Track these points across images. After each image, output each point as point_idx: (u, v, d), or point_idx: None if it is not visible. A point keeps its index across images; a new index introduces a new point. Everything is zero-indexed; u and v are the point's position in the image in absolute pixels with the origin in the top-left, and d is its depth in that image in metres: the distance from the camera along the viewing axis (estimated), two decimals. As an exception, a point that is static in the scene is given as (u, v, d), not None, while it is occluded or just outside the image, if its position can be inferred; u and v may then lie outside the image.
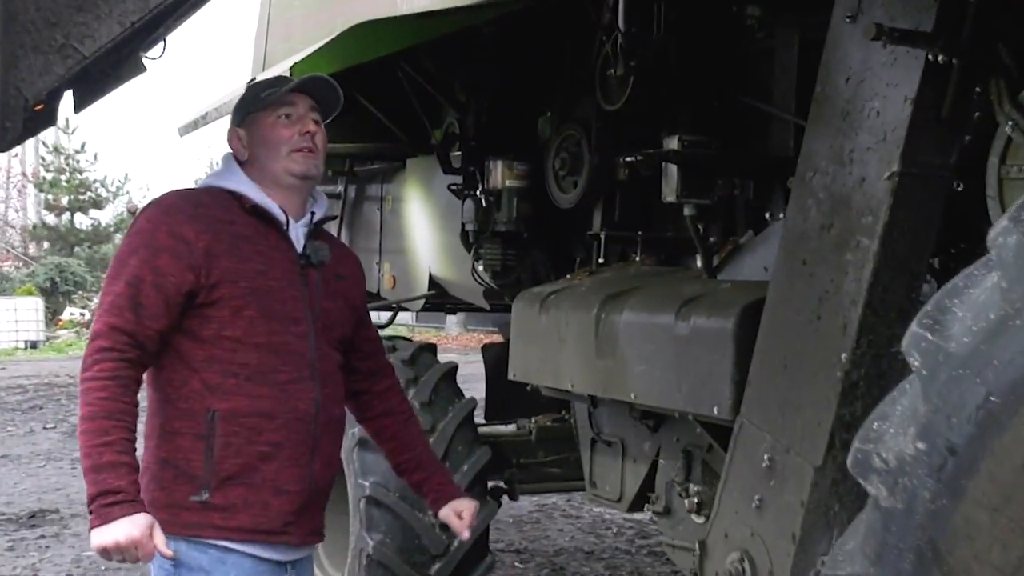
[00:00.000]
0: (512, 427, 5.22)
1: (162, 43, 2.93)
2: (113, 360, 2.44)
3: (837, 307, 2.81)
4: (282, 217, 2.67)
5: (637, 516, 7.47)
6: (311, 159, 2.71)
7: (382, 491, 4.22)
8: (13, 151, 38.18)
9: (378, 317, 6.74)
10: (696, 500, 3.68)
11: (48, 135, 34.34)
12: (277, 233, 2.67)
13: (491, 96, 4.43)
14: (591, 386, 3.75)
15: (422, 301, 5.37)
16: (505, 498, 4.92)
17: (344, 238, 5.98)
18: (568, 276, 4.24)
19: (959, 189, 2.83)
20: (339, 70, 3.78)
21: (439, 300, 5.43)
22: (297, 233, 2.71)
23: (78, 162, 32.45)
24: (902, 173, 2.66)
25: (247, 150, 2.72)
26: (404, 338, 5.01)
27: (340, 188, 6.01)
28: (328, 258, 2.75)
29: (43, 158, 33.61)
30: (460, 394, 4.60)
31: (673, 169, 3.51)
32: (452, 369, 4.65)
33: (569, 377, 3.84)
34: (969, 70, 2.58)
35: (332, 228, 5.94)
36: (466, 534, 3.02)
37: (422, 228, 5.28)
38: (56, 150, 32.85)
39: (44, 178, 33.02)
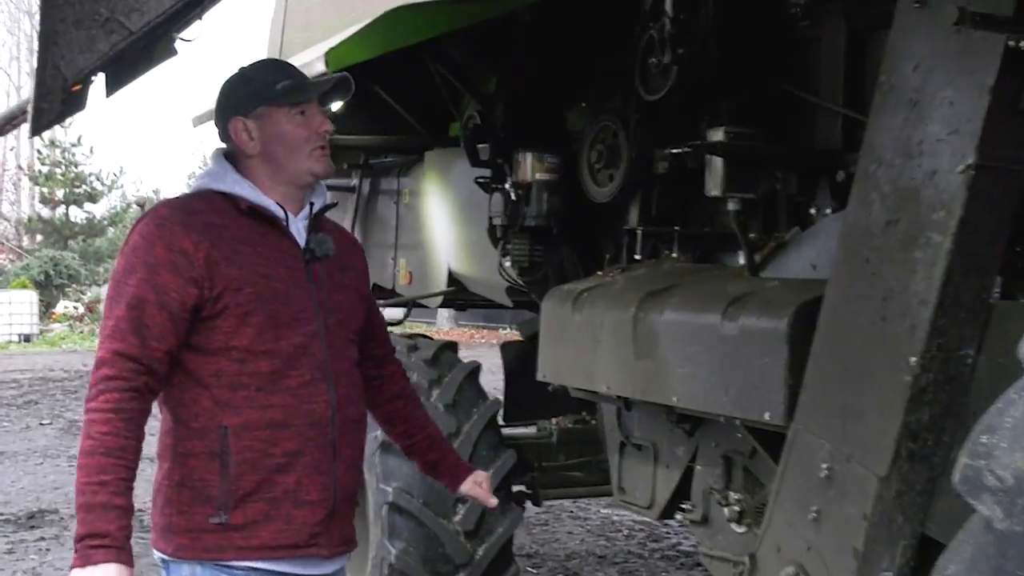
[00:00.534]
0: (532, 429, 5.05)
1: (198, 22, 2.75)
2: (118, 391, 2.31)
3: (904, 308, 2.65)
4: (281, 214, 2.54)
5: (646, 518, 7.33)
6: (328, 157, 2.61)
7: (405, 497, 4.05)
8: (9, 144, 37.97)
9: (391, 313, 6.59)
10: (737, 509, 3.53)
11: (43, 128, 34.05)
12: (278, 231, 2.54)
13: (521, 87, 4.25)
14: (628, 388, 3.59)
15: (440, 298, 5.20)
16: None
17: (358, 233, 5.82)
18: (599, 273, 4.08)
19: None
20: (374, 55, 3.61)
21: (457, 297, 5.26)
22: (298, 228, 2.58)
23: (73, 155, 32.20)
24: (978, 166, 2.50)
25: (257, 144, 2.55)
26: (425, 336, 4.83)
27: (355, 181, 5.84)
28: (332, 250, 2.61)
29: (39, 151, 33.38)
30: (484, 395, 4.44)
31: (718, 162, 3.35)
32: (475, 369, 4.49)
33: (604, 379, 3.68)
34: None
35: (347, 223, 5.79)
36: (493, 500, 3.00)
37: (441, 222, 5.12)
38: (52, 143, 32.61)
39: (39, 171, 32.78)
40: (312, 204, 2.61)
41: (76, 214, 32.54)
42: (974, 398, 2.55)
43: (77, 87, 2.15)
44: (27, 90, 34.99)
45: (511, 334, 24.39)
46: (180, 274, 2.38)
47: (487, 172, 4.43)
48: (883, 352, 2.68)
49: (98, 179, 32.82)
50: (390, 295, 5.65)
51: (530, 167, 4.12)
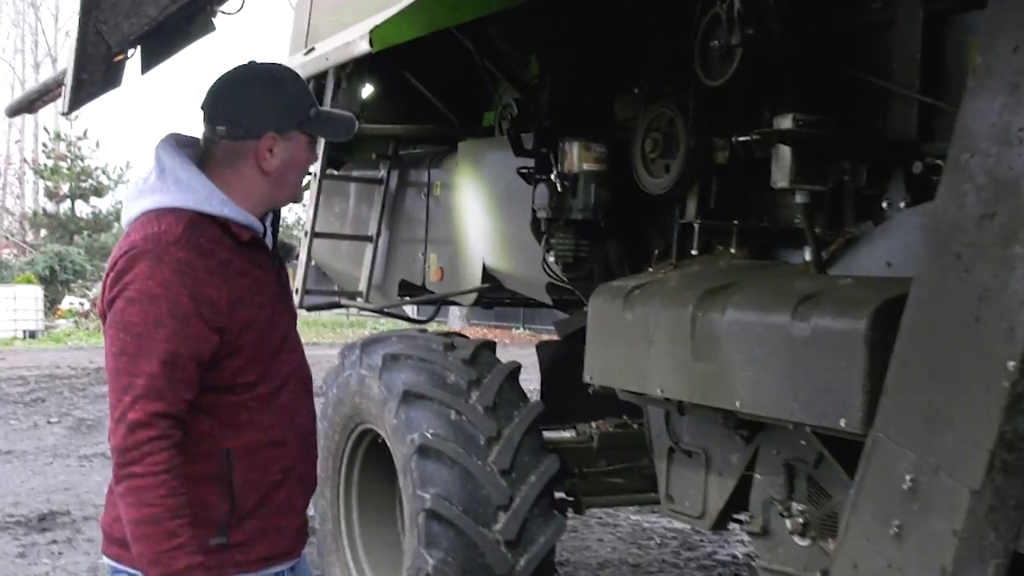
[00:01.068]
0: (571, 432, 4.84)
1: None
2: (164, 450, 2.26)
3: (1002, 308, 2.45)
4: (260, 227, 2.47)
5: (678, 525, 7.13)
6: None
7: (444, 504, 3.86)
8: (14, 137, 37.78)
9: (414, 311, 6.39)
10: (801, 521, 3.35)
11: (49, 121, 34.02)
12: (262, 251, 2.49)
13: (568, 73, 4.05)
14: (685, 392, 3.39)
15: (473, 295, 5.00)
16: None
17: (385, 227, 5.62)
18: (650, 269, 3.88)
19: None
20: (420, 35, 3.42)
21: (493, 294, 5.06)
22: (268, 237, 2.54)
23: (79, 149, 32.01)
24: (1086, 154, 2.30)
25: (273, 163, 2.43)
26: (460, 334, 4.64)
27: (382, 173, 5.63)
28: (292, 251, 2.59)
29: (44, 144, 33.20)
30: (525, 397, 4.25)
31: (786, 151, 3.15)
32: (516, 369, 4.30)
33: (658, 381, 3.48)
34: None
35: (373, 216, 5.60)
36: None
37: (476, 216, 4.92)
38: (57, 136, 32.43)
39: (44, 165, 32.60)
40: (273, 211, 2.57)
41: (82, 208, 32.42)
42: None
43: (120, 57, 1.95)
44: (32, 82, 34.80)
45: (523, 333, 24.22)
46: (206, 323, 2.31)
47: (529, 162, 4.22)
48: (977, 355, 2.47)
49: (104, 173, 32.64)
50: (420, 292, 5.45)
51: (577, 157, 3.92)
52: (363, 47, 3.22)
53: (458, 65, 5.20)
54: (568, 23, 3.99)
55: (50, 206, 32.93)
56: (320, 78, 4.75)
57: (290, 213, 33.02)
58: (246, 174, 2.42)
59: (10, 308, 23.26)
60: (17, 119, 34.86)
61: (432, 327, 5.34)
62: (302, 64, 4.11)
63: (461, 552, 3.88)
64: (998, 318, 2.44)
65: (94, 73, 1.85)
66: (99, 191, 32.23)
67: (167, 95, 71.07)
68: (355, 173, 5.91)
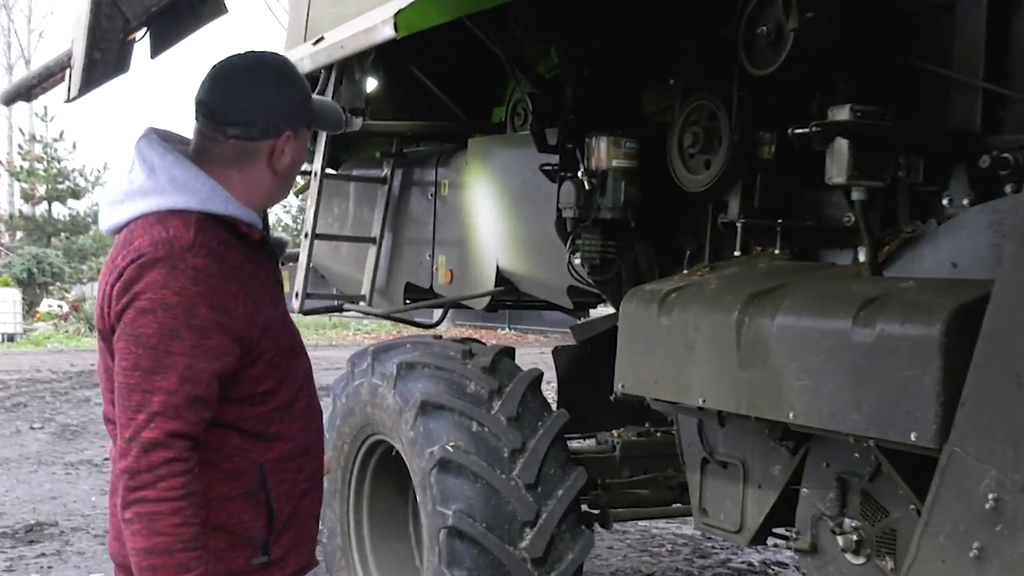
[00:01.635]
0: (591, 442, 4.63)
1: None
2: (181, 474, 2.11)
3: (1099, 312, 2.25)
4: (259, 223, 2.36)
5: (687, 531, 6.93)
6: None
7: (467, 521, 3.63)
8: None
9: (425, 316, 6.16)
10: (854, 538, 3.15)
11: (24, 122, 33.56)
12: (266, 252, 2.39)
13: (594, 63, 3.83)
14: (730, 402, 3.17)
15: (486, 299, 4.77)
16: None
17: (388, 228, 5.39)
18: (685, 272, 3.66)
19: None
20: (447, 20, 3.19)
21: (505, 297, 4.84)
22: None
23: (55, 151, 31.64)
24: None
25: (283, 163, 2.32)
26: (477, 340, 4.42)
27: (385, 171, 5.40)
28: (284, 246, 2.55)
29: (19, 147, 32.79)
30: (548, 406, 4.03)
31: (843, 145, 2.94)
32: (538, 377, 4.08)
33: (700, 391, 3.27)
34: None
35: (376, 216, 5.38)
36: None
37: (488, 216, 4.69)
38: (32, 138, 32.04)
39: (20, 167, 32.18)
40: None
41: (59, 211, 32.01)
42: None
43: (133, 35, 1.74)
44: (5, 84, 34.35)
45: (509, 334, 23.97)
46: (227, 334, 2.18)
47: (552, 159, 4.00)
48: (1071, 364, 2.28)
49: (81, 175, 32.28)
50: (427, 295, 5.23)
51: (606, 153, 3.70)
52: (386, 33, 2.99)
53: (465, 59, 4.98)
54: (595, 10, 3.77)
55: (26, 208, 32.52)
56: (329, 70, 4.51)
57: (286, 213, 32.86)
58: (253, 174, 2.29)
59: (-12, 311, 22.91)
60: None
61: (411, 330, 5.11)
62: (312, 54, 3.88)
63: (486, 571, 3.66)
64: (1094, 323, 2.25)
65: (108, 51, 1.64)
66: (76, 193, 31.88)
67: (143, 96, 70.57)
68: (355, 172, 5.67)
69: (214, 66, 2.31)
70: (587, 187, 3.73)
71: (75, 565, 6.36)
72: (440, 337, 4.46)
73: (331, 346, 21.17)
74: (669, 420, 4.64)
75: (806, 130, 2.91)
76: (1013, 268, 2.43)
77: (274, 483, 2.31)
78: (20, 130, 33.37)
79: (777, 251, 3.42)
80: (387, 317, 5.66)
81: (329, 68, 4.45)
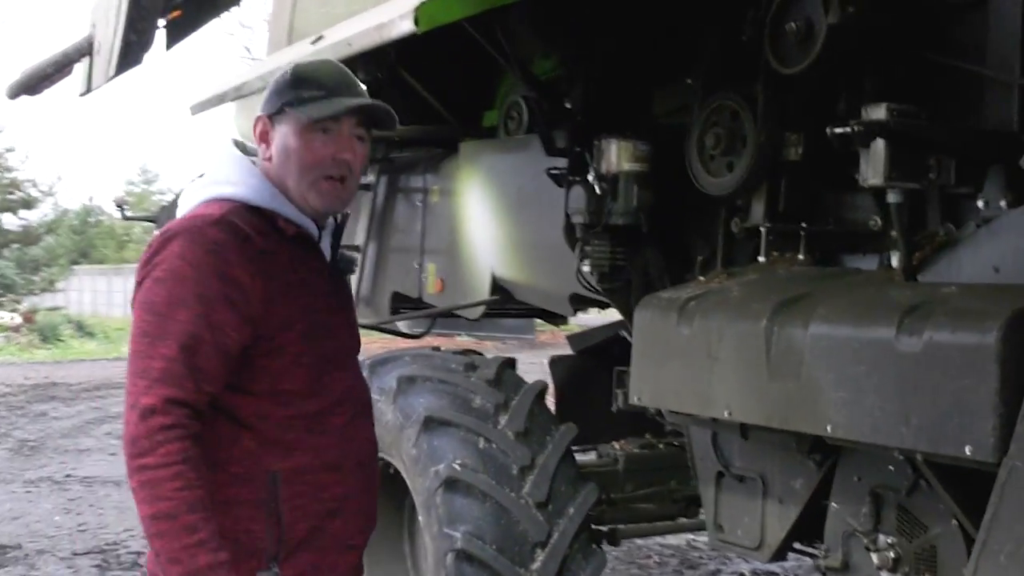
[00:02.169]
0: (592, 455, 4.47)
1: None
2: (180, 439, 2.08)
3: None
4: (315, 231, 2.32)
5: (672, 541, 6.80)
6: (340, 193, 2.30)
7: (476, 544, 3.47)
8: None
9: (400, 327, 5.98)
10: (891, 555, 3.03)
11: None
12: (315, 254, 2.34)
13: (603, 63, 3.68)
14: (761, 415, 3.04)
15: (481, 308, 4.60)
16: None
17: (375, 236, 5.21)
18: (700, 278, 3.52)
19: None
20: (473, 13, 3.03)
21: (502, 306, 4.68)
22: (325, 243, 2.38)
23: (7, 161, 31.24)
24: None
25: (271, 151, 2.30)
26: (476, 352, 4.25)
27: (371, 178, 5.21)
28: (354, 266, 2.49)
29: (-30, 158, 32.32)
30: (555, 419, 3.87)
31: (879, 145, 2.81)
32: (543, 390, 3.92)
33: (725, 403, 3.13)
34: None
35: (361, 225, 5.20)
36: None
37: (482, 223, 4.53)
38: (-17, 150, 31.64)
39: (-31, 178, 31.72)
40: (336, 217, 2.40)
41: (11, 221, 31.85)
42: None
43: (176, 14, 1.59)
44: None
45: (466, 341, 23.74)
46: (237, 311, 2.15)
47: (557, 162, 3.85)
48: None
49: (34, 186, 31.90)
50: (415, 304, 5.05)
51: (617, 156, 3.56)
52: (404, 28, 2.82)
53: (453, 61, 4.82)
54: (607, 6, 3.62)
55: (-23, 220, 32.06)
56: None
57: None
58: (264, 166, 2.31)
59: (-63, 324, 22.44)
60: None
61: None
62: (314, 53, 3.70)
63: (497, 597, 3.49)
64: None
65: (144, 32, 1.51)
66: (28, 204, 31.50)
67: (96, 107, 69.95)
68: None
69: None
70: (598, 192, 3.58)
71: (44, 590, 6.11)
72: (439, 349, 4.29)
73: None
74: (669, 431, 4.52)
75: (846, 129, 2.77)
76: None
77: (288, 495, 2.23)
78: (-30, 142, 32.91)
79: (801, 256, 3.28)
80: (375, 328, 5.48)
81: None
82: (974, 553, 2.51)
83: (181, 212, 2.31)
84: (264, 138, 2.30)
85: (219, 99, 4.67)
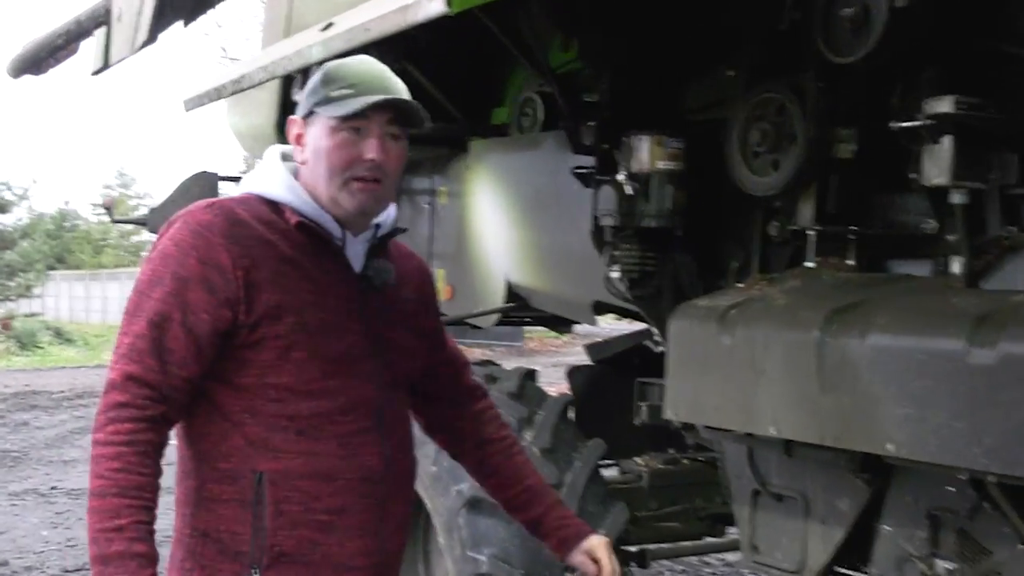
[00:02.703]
0: (614, 470, 4.27)
1: None
2: (131, 420, 2.03)
3: None
4: (338, 232, 2.23)
5: (688, 559, 6.58)
6: (373, 192, 2.20)
7: (504, 568, 3.27)
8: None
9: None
10: (952, 582, 2.80)
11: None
12: (331, 253, 2.23)
13: (633, 55, 3.48)
14: (813, 432, 2.84)
15: (495, 316, 4.39)
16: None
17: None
18: (740, 285, 3.32)
19: None
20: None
21: (517, 314, 4.47)
22: (356, 251, 2.27)
23: (-20, 164, 30.85)
24: None
25: (305, 153, 2.23)
26: (493, 363, 4.04)
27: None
28: (392, 278, 2.31)
29: (-56, 161, 31.94)
30: (581, 435, 3.66)
31: (947, 142, 2.61)
32: (568, 403, 3.71)
33: (771, 419, 2.93)
34: None
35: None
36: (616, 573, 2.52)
37: (495, 226, 4.32)
38: (-43, 154, 31.25)
39: (-55, 181, 31.27)
40: (378, 226, 2.28)
41: (-16, 225, 31.11)
42: None
43: None
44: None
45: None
46: (214, 292, 2.10)
47: (583, 160, 3.64)
48: None
49: (8, 189, 31.47)
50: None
51: (648, 154, 3.35)
52: (434, 9, 2.59)
53: (459, 56, 4.61)
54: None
55: (-50, 223, 31.62)
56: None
57: None
58: (301, 172, 2.24)
59: (-87, 330, 22.09)
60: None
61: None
62: (324, 41, 3.48)
63: (523, 623, 3.28)
64: None
65: None
66: (2, 207, 31.10)
67: (69, 109, 69.53)
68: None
69: None
70: (628, 192, 3.37)
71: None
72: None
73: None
74: (691, 444, 4.33)
75: (913, 123, 2.57)
76: None
77: (273, 499, 2.13)
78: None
79: (851, 262, 3.08)
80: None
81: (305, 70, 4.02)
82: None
83: None
84: (299, 141, 2.24)
85: (216, 93, 4.43)
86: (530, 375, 3.83)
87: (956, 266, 2.83)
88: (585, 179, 3.57)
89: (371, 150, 2.15)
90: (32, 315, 28.68)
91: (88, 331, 29.14)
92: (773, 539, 3.42)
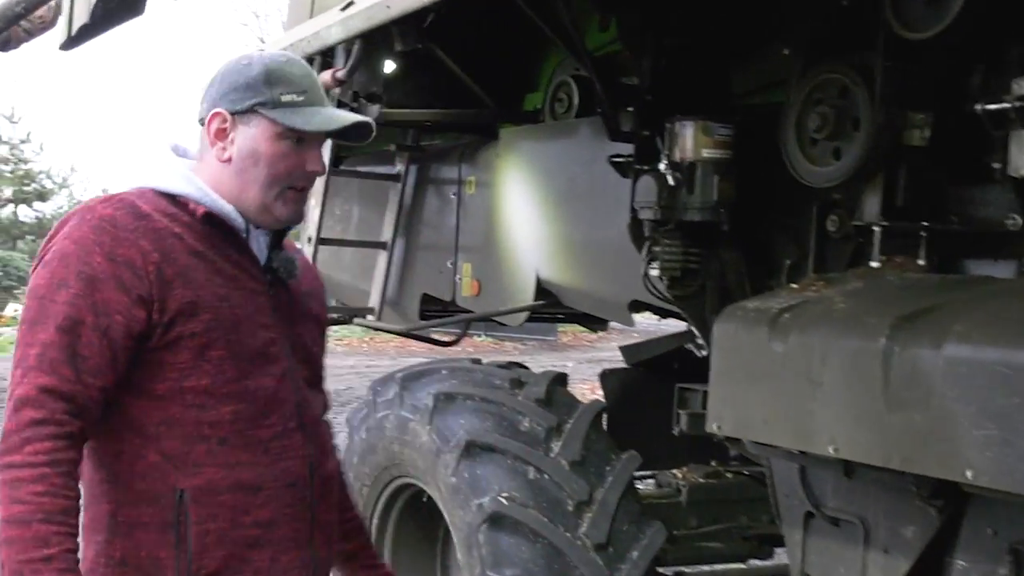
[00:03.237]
0: (649, 482, 3.97)
1: None
2: (51, 438, 1.90)
3: None
4: (241, 223, 2.15)
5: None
6: (303, 201, 2.21)
7: (530, 594, 2.96)
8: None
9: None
10: (1038, 624, 2.49)
11: (-10, 123, 32.99)
12: (236, 246, 2.15)
13: (677, 34, 3.19)
14: (877, 453, 2.54)
15: (524, 314, 4.11)
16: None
17: (402, 233, 4.71)
18: (793, 285, 3.01)
19: None
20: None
21: (549, 310, 4.19)
22: (259, 243, 2.19)
23: (22, 152, 31.12)
24: None
25: (231, 151, 2.12)
26: (520, 365, 3.75)
27: (399, 168, 4.72)
28: (297, 271, 2.25)
29: (-14, 147, 32.25)
30: (614, 447, 3.37)
31: (1034, 130, 2.30)
32: (601, 411, 3.42)
33: (829, 437, 2.63)
34: None
35: (388, 219, 4.72)
36: None
37: (526, 218, 4.05)
38: (-1, 139, 31.53)
39: (-13, 168, 31.63)
40: None
41: (26, 213, 31.58)
42: None
43: None
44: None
45: (486, 342, 23.32)
46: (126, 291, 1.99)
47: (620, 148, 3.35)
48: None
49: (48, 177, 31.76)
50: (448, 308, 4.55)
51: (693, 141, 3.06)
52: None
53: (489, 40, 4.33)
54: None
55: (-8, 210, 31.97)
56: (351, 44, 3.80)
57: None
58: (210, 164, 2.14)
59: (-47, 315, 22.27)
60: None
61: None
62: (343, 20, 3.22)
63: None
64: None
65: None
66: (43, 195, 31.55)
67: (113, 98, 70.00)
68: (369, 169, 4.98)
69: None
70: (671, 182, 3.07)
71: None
72: (479, 361, 3.79)
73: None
74: (733, 456, 4.03)
75: (1003, 106, 2.26)
76: None
77: (198, 517, 2.04)
78: (-15, 131, 32.83)
79: (922, 261, 2.77)
80: (403, 334, 4.99)
81: (352, 41, 3.75)
82: None
83: None
84: (221, 137, 2.12)
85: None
86: (560, 379, 3.55)
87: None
88: (623, 168, 3.28)
89: (315, 162, 2.13)
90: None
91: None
92: (828, 567, 3.13)
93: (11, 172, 30.83)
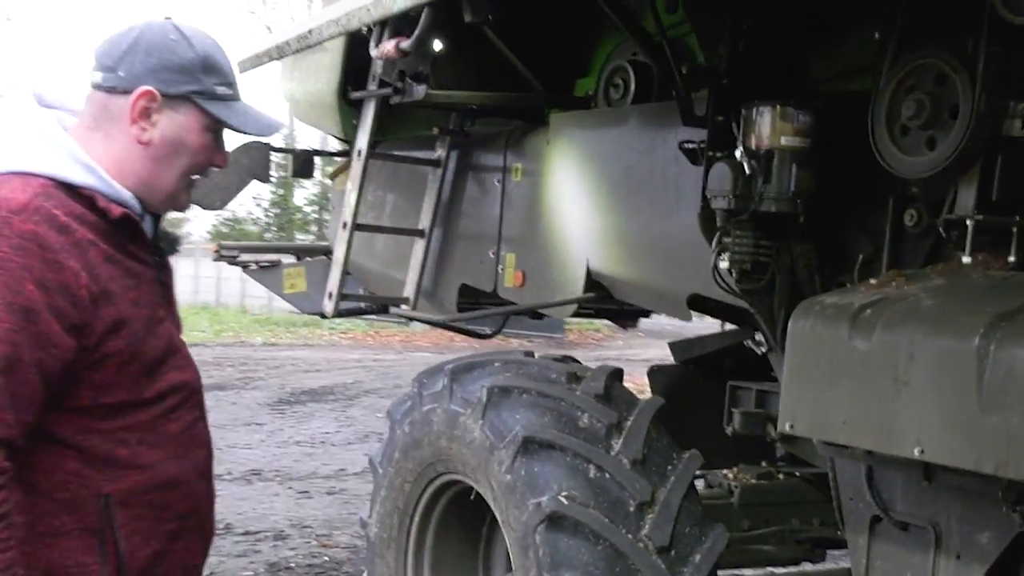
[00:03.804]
0: (699, 483, 3.84)
1: None
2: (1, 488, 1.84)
3: None
4: (140, 211, 2.08)
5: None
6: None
7: (588, 598, 2.84)
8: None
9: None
10: None
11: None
12: (135, 235, 2.07)
13: (754, 14, 3.06)
14: (967, 456, 2.43)
15: (572, 307, 3.98)
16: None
17: (441, 221, 4.58)
18: (872, 281, 2.89)
19: None
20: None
21: (595, 305, 4.06)
22: (148, 224, 2.13)
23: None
24: None
25: (153, 135, 2.04)
26: (574, 359, 3.62)
27: (439, 153, 4.58)
28: (178, 247, 2.28)
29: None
30: (675, 446, 3.24)
31: None
32: (661, 408, 3.29)
33: (915, 439, 2.52)
34: None
35: (427, 206, 4.60)
36: None
37: (576, 207, 3.92)
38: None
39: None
40: None
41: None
42: None
43: None
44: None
45: (503, 339, 23.16)
46: (61, 319, 1.89)
47: (693, 134, 3.23)
48: None
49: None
50: (490, 300, 4.43)
51: (771, 128, 2.93)
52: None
53: (541, 22, 4.20)
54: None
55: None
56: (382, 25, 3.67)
57: (257, 206, 30.89)
58: (117, 140, 2.04)
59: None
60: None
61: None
62: (374, 2, 3.07)
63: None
64: None
65: None
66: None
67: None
68: (407, 153, 4.84)
69: None
70: (746, 171, 2.95)
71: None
72: (532, 354, 3.66)
73: (306, 346, 20.20)
74: (780, 456, 3.92)
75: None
76: None
77: (125, 519, 2.02)
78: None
79: (1012, 258, 2.65)
80: (442, 326, 4.87)
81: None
82: None
83: None
84: (144, 115, 2.03)
85: (278, 51, 4.05)
86: (617, 375, 3.42)
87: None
88: (694, 155, 3.15)
89: (224, 156, 2.14)
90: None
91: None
92: (895, 573, 3.03)
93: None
